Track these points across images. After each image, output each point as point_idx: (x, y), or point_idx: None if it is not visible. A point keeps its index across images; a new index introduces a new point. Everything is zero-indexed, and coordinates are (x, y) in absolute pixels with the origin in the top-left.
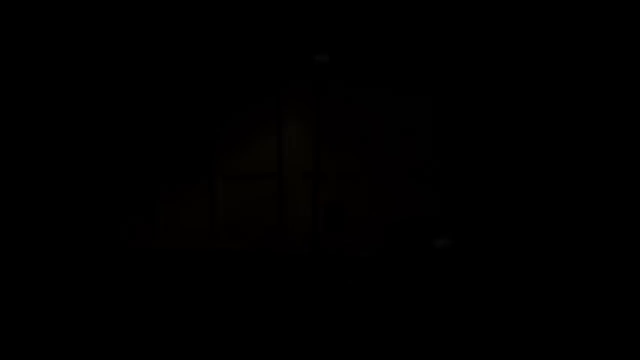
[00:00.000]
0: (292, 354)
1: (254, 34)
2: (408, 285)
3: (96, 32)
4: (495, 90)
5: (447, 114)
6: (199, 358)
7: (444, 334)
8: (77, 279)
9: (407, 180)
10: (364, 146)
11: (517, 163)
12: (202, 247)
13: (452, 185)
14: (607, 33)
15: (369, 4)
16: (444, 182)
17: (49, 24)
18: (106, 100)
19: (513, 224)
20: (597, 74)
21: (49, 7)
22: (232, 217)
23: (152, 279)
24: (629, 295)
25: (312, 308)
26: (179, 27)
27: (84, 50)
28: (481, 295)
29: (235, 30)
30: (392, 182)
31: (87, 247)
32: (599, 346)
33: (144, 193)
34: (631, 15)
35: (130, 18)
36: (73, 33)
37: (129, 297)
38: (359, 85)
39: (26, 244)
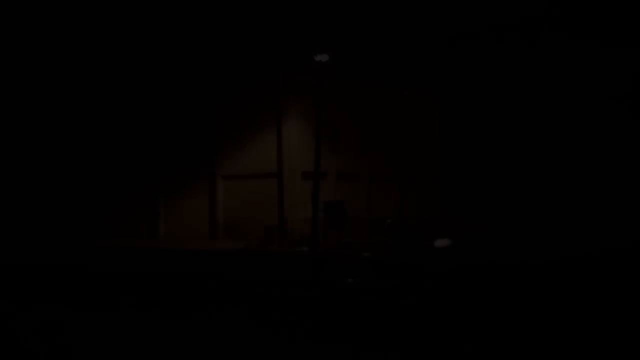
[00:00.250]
0: (292, 353)
1: (254, 36)
2: (408, 285)
3: (96, 31)
4: (496, 91)
5: (453, 114)
6: (199, 358)
7: (444, 333)
8: (77, 278)
9: (408, 180)
10: (364, 146)
11: (517, 163)
12: (202, 247)
13: (454, 185)
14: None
15: (369, 4)
16: (446, 182)
17: (50, 25)
18: (106, 102)
19: (513, 224)
20: None
21: (49, 9)
22: (232, 217)
23: (152, 279)
24: (629, 296)
25: (312, 308)
26: (181, 28)
27: (84, 51)
28: (481, 295)
29: (235, 31)
30: (392, 182)
31: (87, 247)
32: (600, 347)
33: (144, 193)
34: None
35: (135, 20)
36: (74, 33)
37: (129, 297)
38: (359, 85)
39: (25, 244)
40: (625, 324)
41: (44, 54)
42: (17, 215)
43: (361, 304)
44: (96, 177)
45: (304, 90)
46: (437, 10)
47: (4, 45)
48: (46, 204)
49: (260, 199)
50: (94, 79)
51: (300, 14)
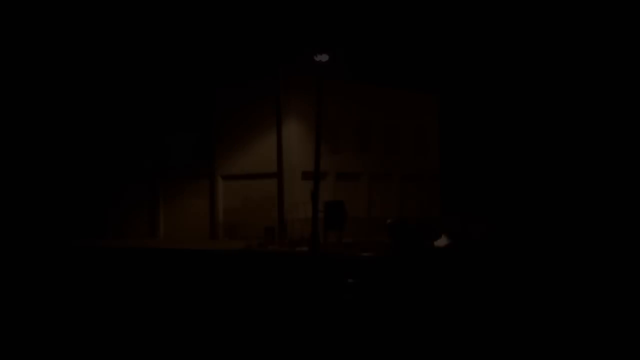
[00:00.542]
0: (292, 353)
1: (254, 36)
2: (408, 284)
3: (97, 31)
4: (496, 91)
5: (453, 114)
6: (199, 358)
7: (444, 333)
8: (76, 278)
9: (408, 180)
10: (364, 146)
11: (516, 162)
12: (202, 247)
13: (455, 186)
14: (607, 34)
15: (369, 4)
16: (446, 181)
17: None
18: (106, 102)
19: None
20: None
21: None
22: (232, 217)
23: (152, 279)
24: (629, 294)
25: (312, 308)
26: (182, 28)
27: (85, 51)
28: (481, 295)
29: (236, 32)
30: (392, 182)
31: (87, 246)
32: (600, 345)
33: (144, 193)
34: (630, 16)
35: (135, 20)
36: (74, 32)
37: (129, 297)
38: (359, 85)
39: (25, 243)
40: (626, 323)
41: (44, 54)
42: (16, 215)
43: (361, 303)
44: (96, 177)
45: (304, 90)
46: (437, 10)
47: (4, 46)
48: (46, 204)
49: (260, 199)
50: (94, 79)
51: (300, 14)
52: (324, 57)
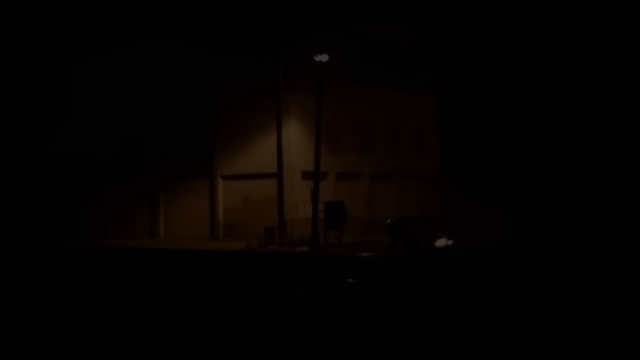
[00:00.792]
0: (292, 353)
1: (254, 36)
2: (408, 284)
3: (97, 31)
4: (498, 89)
5: (453, 113)
6: (199, 358)
7: (444, 333)
8: (76, 278)
9: (408, 180)
10: (364, 146)
11: (516, 162)
12: (202, 247)
13: (455, 185)
14: (607, 34)
15: (369, 4)
16: (446, 181)
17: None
18: (106, 102)
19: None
20: None
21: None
22: (232, 217)
23: (152, 279)
24: (629, 294)
25: (312, 308)
26: (182, 28)
27: (85, 51)
28: (481, 295)
29: (236, 31)
30: (392, 182)
31: (87, 246)
32: (600, 345)
33: (144, 193)
34: (630, 17)
35: (135, 20)
36: (75, 32)
37: (129, 297)
38: (359, 85)
39: (24, 242)
40: (625, 324)
41: (44, 54)
42: (15, 215)
43: (361, 303)
44: (96, 177)
45: (304, 90)
46: (437, 10)
47: (4, 46)
48: (46, 204)
49: (260, 199)
50: (95, 79)
51: (300, 14)
52: (324, 57)
